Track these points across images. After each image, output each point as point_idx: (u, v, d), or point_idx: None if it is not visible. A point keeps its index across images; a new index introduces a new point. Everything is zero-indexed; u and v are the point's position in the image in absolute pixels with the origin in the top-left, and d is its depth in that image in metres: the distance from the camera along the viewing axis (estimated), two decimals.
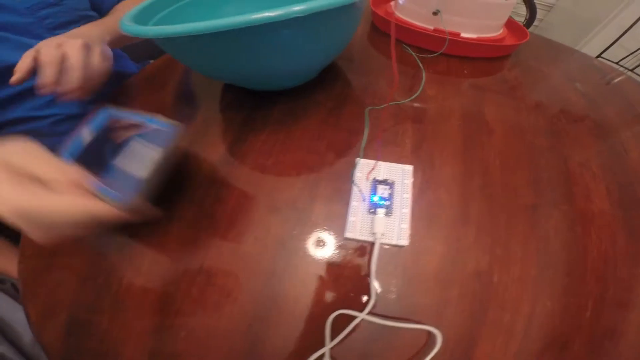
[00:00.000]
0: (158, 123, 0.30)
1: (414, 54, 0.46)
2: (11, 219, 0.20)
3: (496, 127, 0.39)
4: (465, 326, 0.26)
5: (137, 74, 0.50)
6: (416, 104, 0.40)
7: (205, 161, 0.36)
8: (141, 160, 0.28)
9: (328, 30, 0.32)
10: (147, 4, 0.36)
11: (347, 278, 0.28)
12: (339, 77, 0.45)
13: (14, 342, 0.41)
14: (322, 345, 0.25)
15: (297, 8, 0.24)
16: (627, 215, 0.32)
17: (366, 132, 0.35)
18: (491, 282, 0.28)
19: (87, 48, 0.38)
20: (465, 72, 0.47)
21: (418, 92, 0.39)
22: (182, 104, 0.43)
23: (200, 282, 0.28)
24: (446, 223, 0.31)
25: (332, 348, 0.25)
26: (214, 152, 0.36)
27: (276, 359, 0.25)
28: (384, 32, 0.55)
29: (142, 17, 0.35)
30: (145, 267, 0.29)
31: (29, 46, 0.36)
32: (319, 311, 0.27)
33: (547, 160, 0.36)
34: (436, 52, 0.46)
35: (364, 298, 0.27)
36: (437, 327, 0.25)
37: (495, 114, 0.41)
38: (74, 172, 0.23)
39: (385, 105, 0.39)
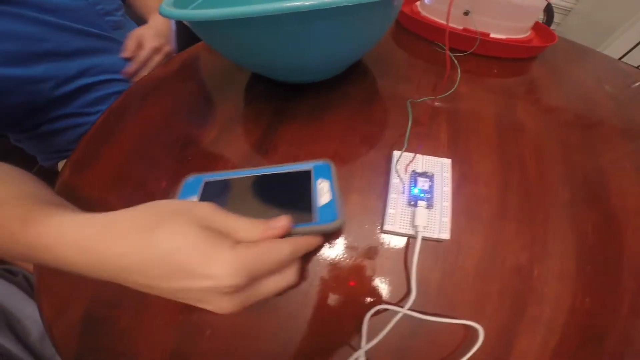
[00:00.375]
0: (312, 164, 0.31)
1: (450, 53, 0.47)
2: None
3: (528, 124, 0.39)
4: (505, 321, 0.26)
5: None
6: (450, 101, 0.40)
7: (237, 149, 0.36)
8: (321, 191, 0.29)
9: (365, 24, 0.32)
10: None
11: (384, 273, 0.28)
12: (367, 72, 0.45)
13: (20, 337, 0.39)
14: (358, 343, 0.25)
15: None
16: None
17: (410, 123, 0.35)
18: (531, 277, 0.28)
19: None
20: (495, 71, 0.47)
21: (454, 88, 0.40)
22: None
23: None
24: (485, 217, 0.31)
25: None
26: (245, 141, 0.37)
27: None
28: (409, 30, 0.55)
29: (180, 2, 0.36)
30: None
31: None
32: (355, 307, 0.27)
33: (581, 158, 0.36)
34: (466, 52, 0.47)
35: (402, 293, 0.27)
36: (476, 322, 0.25)
37: (526, 112, 0.41)
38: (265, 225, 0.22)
39: (426, 98, 0.39)
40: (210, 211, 0.21)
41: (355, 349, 0.25)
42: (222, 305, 0.19)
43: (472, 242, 0.30)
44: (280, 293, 0.22)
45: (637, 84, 0.49)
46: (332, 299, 0.27)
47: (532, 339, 0.26)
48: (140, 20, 0.62)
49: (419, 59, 0.46)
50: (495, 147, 0.37)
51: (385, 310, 0.26)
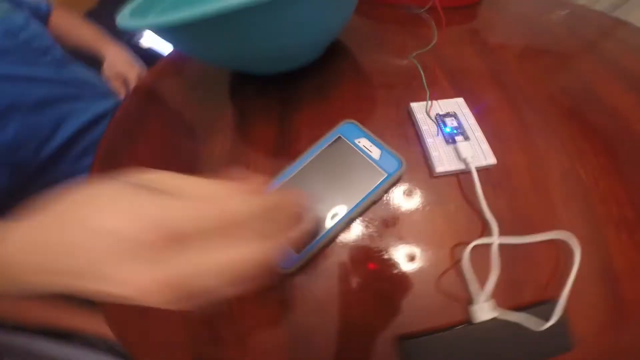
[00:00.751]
0: (335, 131, 0.31)
1: (420, 11, 0.48)
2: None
3: (508, 54, 0.42)
4: (586, 225, 0.27)
5: None
6: (434, 52, 0.41)
7: (260, 152, 0.34)
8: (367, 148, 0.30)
9: None
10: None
11: (455, 213, 0.29)
12: (348, 48, 0.45)
13: None
14: (461, 289, 0.24)
15: None
16: None
17: (422, 73, 0.37)
18: (580, 178, 0.30)
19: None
20: (458, 18, 0.49)
21: (434, 40, 0.41)
22: None
23: None
24: (516, 138, 0.33)
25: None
26: (264, 141, 0.35)
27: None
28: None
29: (139, 12, 0.33)
30: None
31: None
32: (443, 253, 0.27)
33: (566, 73, 0.40)
34: (425, 7, 0.48)
35: (480, 228, 0.27)
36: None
37: (502, 43, 0.44)
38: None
39: (422, 50, 0.40)
40: (150, 173, 0.16)
41: (462, 298, 0.24)
42: (130, 278, 0.13)
43: (517, 161, 0.31)
44: (240, 273, 0.14)
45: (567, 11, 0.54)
46: (416, 256, 0.27)
47: (619, 233, 0.27)
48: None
49: (389, 23, 0.47)
50: (490, 78, 0.39)
51: (475, 246, 0.25)
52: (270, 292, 0.26)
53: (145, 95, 0.44)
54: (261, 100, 0.39)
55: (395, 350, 0.23)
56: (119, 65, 0.57)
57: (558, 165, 0.31)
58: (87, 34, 0.60)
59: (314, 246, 0.26)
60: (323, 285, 0.26)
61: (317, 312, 0.25)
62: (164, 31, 0.28)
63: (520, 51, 0.43)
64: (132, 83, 0.56)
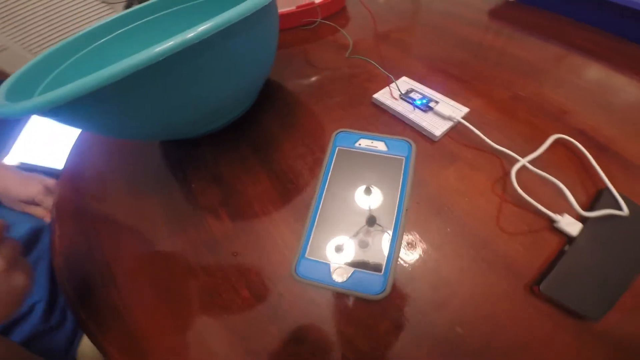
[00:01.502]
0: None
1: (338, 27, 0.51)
2: None
3: (404, 33, 0.49)
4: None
5: None
6: (359, 52, 0.45)
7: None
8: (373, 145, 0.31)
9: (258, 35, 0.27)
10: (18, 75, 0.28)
11: (474, 159, 0.31)
12: (271, 80, 0.45)
13: None
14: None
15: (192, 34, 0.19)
16: None
17: (376, 64, 0.39)
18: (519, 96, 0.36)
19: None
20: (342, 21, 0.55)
21: (350, 46, 0.45)
22: None
23: None
24: (468, 83, 0.38)
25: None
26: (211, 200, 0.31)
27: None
28: None
29: (16, 94, 0.26)
30: None
31: None
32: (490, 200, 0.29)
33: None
34: (317, 20, 0.52)
35: (495, 160, 0.30)
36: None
37: (389, 29, 0.50)
38: None
39: (359, 57, 0.43)
40: None
41: (540, 225, 0.26)
42: None
43: (478, 103, 0.35)
44: None
45: None
46: (469, 206, 0.28)
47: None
48: None
49: (297, 46, 0.48)
50: (406, 54, 0.44)
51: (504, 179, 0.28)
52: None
53: (73, 214, 0.35)
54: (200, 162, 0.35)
55: (539, 298, 0.23)
56: (14, 192, 0.44)
57: (510, 94, 0.36)
58: None
59: (391, 257, 0.24)
60: (428, 275, 0.24)
61: (437, 288, 0.23)
62: (63, 109, 0.20)
63: (406, 26, 0.50)
64: (47, 201, 0.45)
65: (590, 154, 0.28)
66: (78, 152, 0.42)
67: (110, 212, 0.33)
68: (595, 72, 0.39)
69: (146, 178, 0.35)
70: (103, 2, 1.63)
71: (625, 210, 0.24)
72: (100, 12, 1.65)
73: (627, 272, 0.23)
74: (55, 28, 1.52)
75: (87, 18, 1.58)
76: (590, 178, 0.28)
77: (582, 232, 0.24)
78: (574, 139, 0.30)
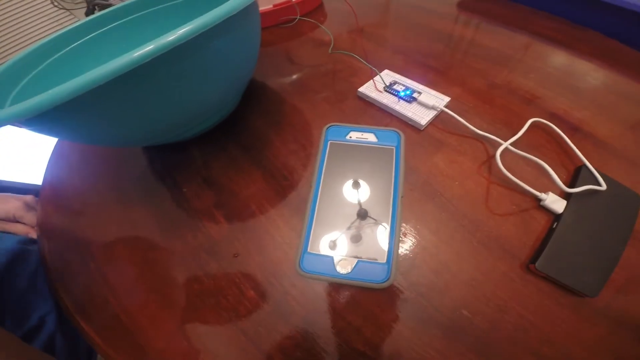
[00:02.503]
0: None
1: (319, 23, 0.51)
2: None
3: (379, 28, 0.50)
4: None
5: None
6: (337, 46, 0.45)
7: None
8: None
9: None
10: None
11: (459, 145, 0.32)
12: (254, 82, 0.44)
13: None
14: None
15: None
16: None
17: (359, 58, 0.39)
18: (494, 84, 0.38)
19: None
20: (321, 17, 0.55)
21: (332, 42, 0.45)
22: None
23: None
24: (438, 76, 0.40)
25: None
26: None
27: None
28: None
29: None
30: None
31: None
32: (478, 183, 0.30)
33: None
34: (296, 18, 0.52)
35: (483, 144, 0.32)
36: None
37: (368, 22, 0.51)
38: None
39: (342, 52, 0.44)
40: None
41: (528, 203, 0.28)
42: None
43: (456, 92, 0.37)
44: None
45: None
46: (459, 191, 0.29)
47: None
48: None
49: (278, 44, 0.48)
50: (386, 48, 0.45)
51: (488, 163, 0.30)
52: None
53: (59, 229, 0.33)
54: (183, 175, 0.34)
55: (536, 276, 0.24)
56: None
57: (479, 79, 0.38)
58: None
59: (392, 245, 0.25)
60: (430, 260, 0.25)
61: (438, 272, 0.24)
62: (40, 117, 0.19)
63: (381, 20, 0.51)
64: (27, 217, 0.41)
65: (565, 134, 0.30)
66: (57, 164, 0.40)
67: (99, 224, 0.32)
68: (560, 59, 0.41)
69: (133, 186, 0.34)
70: (62, 9, 1.55)
71: (604, 185, 0.26)
72: (60, 20, 1.57)
73: (614, 247, 0.24)
74: (12, 37, 1.43)
75: (46, 26, 1.50)
76: (568, 157, 0.30)
77: (566, 208, 0.25)
78: (549, 121, 0.32)
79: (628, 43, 0.42)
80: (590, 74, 0.38)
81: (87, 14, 1.50)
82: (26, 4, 1.44)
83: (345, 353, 0.23)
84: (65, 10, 1.56)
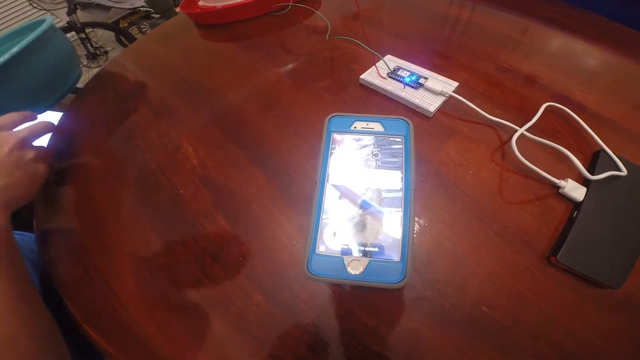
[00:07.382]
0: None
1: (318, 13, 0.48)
2: None
3: (378, 13, 0.47)
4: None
5: None
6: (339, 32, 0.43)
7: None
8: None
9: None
10: None
11: (470, 132, 0.31)
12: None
13: None
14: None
15: None
16: None
17: (362, 44, 0.37)
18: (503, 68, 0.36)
19: None
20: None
21: (329, 28, 0.43)
22: None
23: None
24: (443, 60, 0.38)
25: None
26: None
27: None
28: (211, 24, 0.52)
29: None
30: None
31: None
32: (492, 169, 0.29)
33: None
34: (288, 5, 0.49)
35: (495, 133, 0.30)
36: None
37: (367, 7, 0.49)
38: None
39: (338, 37, 0.42)
40: None
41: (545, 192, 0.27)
42: None
43: (464, 77, 0.35)
44: None
45: None
46: (472, 178, 0.28)
47: None
48: None
49: (271, 34, 0.46)
50: (386, 34, 0.43)
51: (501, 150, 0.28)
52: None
53: (55, 239, 0.31)
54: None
55: (557, 268, 0.23)
56: None
57: (488, 63, 0.36)
58: None
59: (406, 242, 0.23)
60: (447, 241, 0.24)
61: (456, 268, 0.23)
62: None
63: (378, 4, 0.49)
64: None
65: (580, 118, 0.29)
66: (52, 169, 0.37)
67: (94, 231, 0.30)
68: (568, 42, 0.40)
69: (130, 189, 0.32)
70: (42, 9, 1.49)
71: (624, 171, 0.24)
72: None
73: (637, 235, 0.23)
74: None
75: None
76: (585, 142, 0.28)
77: (587, 196, 0.24)
78: (563, 105, 0.30)
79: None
80: (599, 57, 0.37)
81: (68, 14, 1.44)
82: (4, 5, 1.40)
83: (362, 355, 0.22)
84: (45, 12, 1.51)
